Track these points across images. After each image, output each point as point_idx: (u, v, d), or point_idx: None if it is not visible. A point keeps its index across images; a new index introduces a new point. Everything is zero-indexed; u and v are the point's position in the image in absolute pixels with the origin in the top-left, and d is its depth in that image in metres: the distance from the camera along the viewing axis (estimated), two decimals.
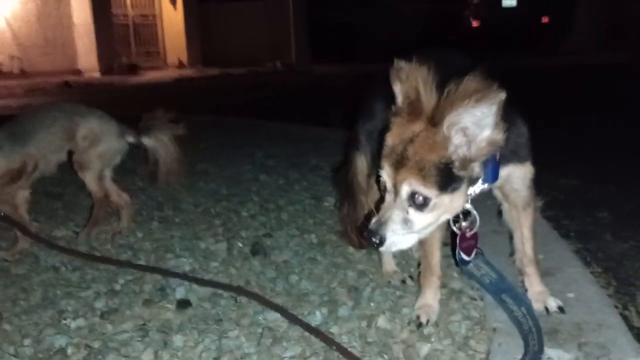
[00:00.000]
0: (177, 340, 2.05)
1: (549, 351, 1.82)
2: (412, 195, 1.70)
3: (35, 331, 2.16)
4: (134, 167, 4.55)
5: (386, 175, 1.74)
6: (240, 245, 2.97)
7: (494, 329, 2.02)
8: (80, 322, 2.21)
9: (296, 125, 6.73)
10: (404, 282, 2.48)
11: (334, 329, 2.11)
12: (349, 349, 1.96)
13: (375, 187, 2.51)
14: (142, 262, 2.77)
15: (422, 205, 1.70)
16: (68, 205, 3.71)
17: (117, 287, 2.52)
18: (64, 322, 2.22)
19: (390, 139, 1.74)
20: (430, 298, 2.17)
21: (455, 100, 1.59)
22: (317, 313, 2.21)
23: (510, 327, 2.00)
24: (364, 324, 2.15)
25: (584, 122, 6.63)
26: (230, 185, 4.16)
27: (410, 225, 1.73)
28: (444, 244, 2.43)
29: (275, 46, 21.92)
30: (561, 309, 2.09)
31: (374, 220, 1.76)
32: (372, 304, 2.31)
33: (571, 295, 2.21)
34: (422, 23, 21.20)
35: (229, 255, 2.85)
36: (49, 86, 16.26)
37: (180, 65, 21.90)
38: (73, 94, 13.96)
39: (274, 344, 2.01)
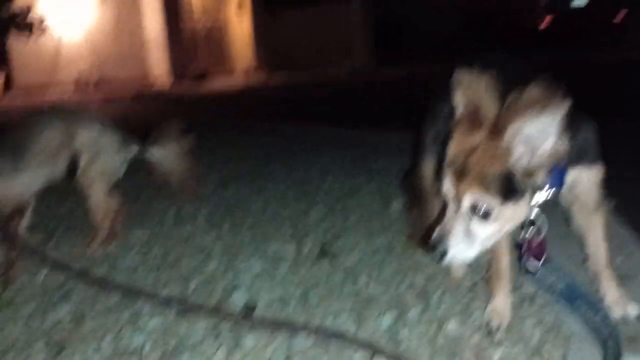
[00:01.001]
0: (249, 340, 2.10)
1: (629, 359, 1.76)
2: (475, 206, 1.67)
3: (115, 330, 2.25)
4: (204, 172, 4.68)
5: (448, 185, 1.72)
6: (308, 248, 3.00)
7: (570, 335, 1.96)
8: (156, 321, 2.29)
9: (363, 129, 6.73)
10: (474, 285, 2.44)
11: (403, 333, 2.10)
12: (419, 352, 1.95)
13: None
14: (214, 264, 2.84)
15: (484, 215, 1.68)
16: (144, 210, 3.84)
17: (191, 289, 2.60)
18: (141, 321, 2.30)
19: (452, 149, 1.72)
20: (502, 302, 2.13)
21: (518, 109, 1.55)
22: (386, 316, 2.21)
23: (587, 333, 1.93)
24: (433, 328, 2.13)
25: None
26: (298, 189, 4.20)
27: (473, 236, 1.70)
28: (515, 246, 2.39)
29: (341, 49, 21.98)
30: None
31: (435, 232, 1.74)
32: (441, 308, 2.29)
33: None
34: (490, 21, 20.76)
35: (297, 258, 2.89)
36: (124, 95, 16.91)
37: (248, 71, 22.30)
38: (145, 104, 14.46)
39: (343, 346, 2.02)
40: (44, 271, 2.84)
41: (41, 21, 9.80)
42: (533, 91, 1.54)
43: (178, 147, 3.31)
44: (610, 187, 2.04)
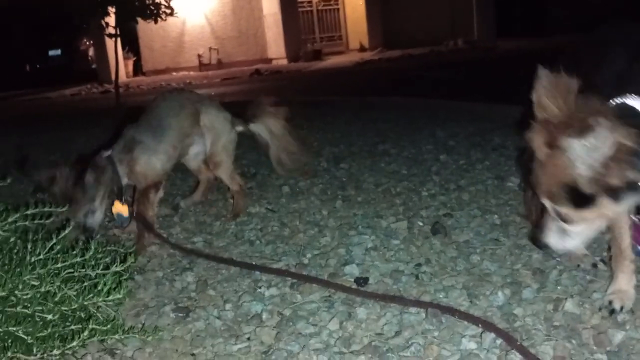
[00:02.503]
0: (361, 312, 2.15)
1: None
2: (554, 209, 1.73)
3: (235, 297, 2.39)
4: (318, 148, 4.78)
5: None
6: (421, 224, 3.00)
7: None
8: (273, 291, 2.40)
9: (479, 104, 6.55)
10: (595, 265, 2.34)
11: (517, 311, 2.06)
12: (533, 331, 1.91)
13: None
14: (327, 239, 2.92)
15: (564, 219, 1.75)
16: (261, 186, 3.99)
17: (305, 261, 2.69)
18: (259, 290, 2.42)
19: (531, 155, 1.73)
20: (625, 283, 2.03)
21: (568, 125, 1.55)
22: (500, 294, 2.17)
23: None
24: (549, 307, 2.07)
25: None
26: (411, 165, 4.19)
27: (565, 232, 1.79)
28: None
29: (457, 24, 21.39)
30: None
31: (537, 227, 1.82)
32: (559, 288, 2.22)
33: None
34: None
35: (410, 234, 2.90)
36: (242, 74, 17.47)
37: (362, 48, 22.28)
38: (263, 81, 14.88)
39: (455, 321, 2.02)
40: (172, 241, 3.05)
41: (167, 6, 10.28)
42: (587, 105, 1.54)
43: (276, 119, 3.43)
44: None
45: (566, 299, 2.08)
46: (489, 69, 12.22)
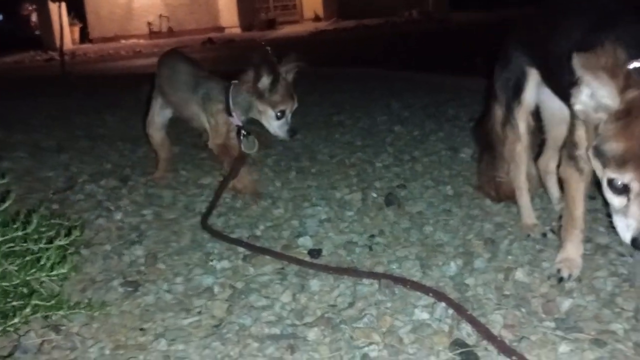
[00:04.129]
0: (314, 284, 2.13)
1: None
2: None
3: (186, 271, 2.34)
4: None
5: (634, 180, 1.58)
6: (375, 195, 3.00)
7: None
8: (225, 263, 2.36)
9: (433, 75, 6.57)
10: (544, 235, 2.38)
11: (469, 281, 2.08)
12: (484, 301, 1.94)
13: (510, 136, 2.41)
14: (280, 211, 2.88)
15: None
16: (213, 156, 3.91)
17: (258, 233, 2.65)
18: (211, 263, 2.38)
19: (624, 143, 1.57)
20: (573, 252, 2.06)
21: None
22: (452, 264, 2.19)
23: None
24: (500, 276, 2.10)
25: None
26: (365, 136, 4.18)
27: None
28: (590, 198, 2.30)
29: None
30: None
31: (632, 229, 1.61)
32: (509, 257, 2.25)
33: None
34: None
35: (364, 205, 2.89)
36: (194, 43, 17.11)
37: (317, 18, 22.10)
38: (216, 50, 14.61)
39: (407, 292, 2.03)
40: (120, 214, 2.96)
41: None
42: None
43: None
44: None
45: (516, 268, 2.11)
46: (443, 40, 12.27)
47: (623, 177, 1.58)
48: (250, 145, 3.11)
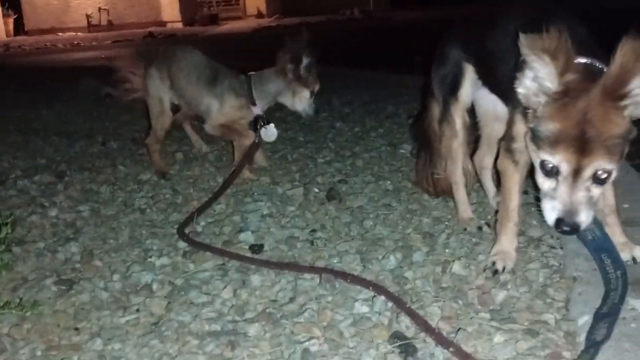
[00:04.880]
0: (255, 279, 2.12)
1: (632, 302, 1.76)
2: (596, 173, 1.63)
3: (123, 268, 2.28)
4: None
5: (563, 161, 1.63)
6: (316, 190, 3.01)
7: (574, 278, 1.97)
8: (165, 260, 2.32)
9: (373, 72, 6.64)
10: (480, 229, 2.44)
11: (408, 274, 2.11)
12: (422, 293, 1.97)
13: (447, 132, 2.47)
14: (222, 206, 2.86)
15: (605, 178, 1.65)
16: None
17: (199, 229, 2.62)
18: (150, 260, 2.33)
19: (558, 123, 1.62)
20: (507, 245, 2.12)
21: (634, 68, 1.50)
22: (391, 258, 2.22)
23: (590, 277, 1.94)
24: (438, 269, 2.14)
25: None
26: (307, 132, 4.19)
27: (592, 201, 1.68)
28: (524, 192, 2.37)
29: None
30: None
31: (557, 210, 1.67)
32: (447, 250, 2.30)
33: None
34: None
35: (305, 200, 2.90)
36: (135, 37, 16.74)
37: (260, 15, 21.97)
38: (157, 45, 14.32)
39: (348, 286, 2.04)
40: (55, 210, 2.87)
41: None
42: (637, 45, 1.49)
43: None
44: None
45: (454, 261, 2.16)
46: (383, 38, 12.41)
47: (554, 159, 1.65)
48: (271, 134, 3.27)
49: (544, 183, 1.71)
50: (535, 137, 1.70)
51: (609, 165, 1.62)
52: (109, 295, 2.08)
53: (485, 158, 2.64)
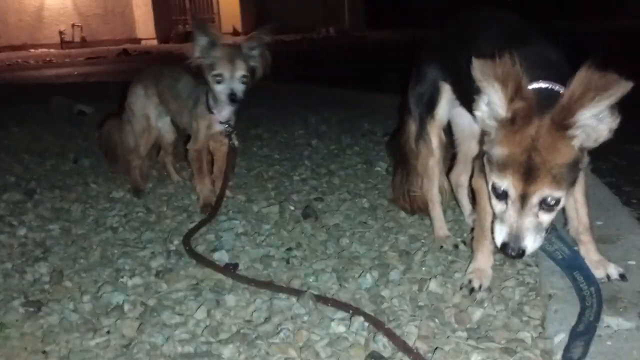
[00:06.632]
0: (229, 299, 2.08)
1: (608, 319, 1.76)
2: (544, 200, 1.64)
3: (94, 288, 2.23)
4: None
5: (511, 186, 1.64)
6: (292, 208, 2.99)
7: (550, 296, 1.97)
8: (137, 280, 2.27)
9: (349, 91, 6.67)
10: (456, 247, 2.44)
11: (385, 292, 2.10)
12: (399, 312, 1.95)
13: (423, 150, 2.47)
14: (195, 223, 2.81)
15: (553, 205, 1.65)
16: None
17: (172, 248, 2.57)
18: (121, 280, 2.28)
19: (507, 149, 1.63)
20: (483, 263, 2.12)
21: (584, 96, 1.50)
22: (368, 276, 2.20)
23: (566, 294, 1.94)
24: (415, 288, 2.13)
25: None
26: (283, 150, 4.17)
27: (541, 227, 1.68)
28: None
29: (329, 12, 21.71)
30: (622, 277, 2.01)
31: (504, 233, 1.68)
32: (423, 269, 2.29)
33: (632, 262, 2.12)
34: None
35: (281, 218, 2.87)
36: (109, 54, 16.63)
37: (235, 32, 22.00)
38: (131, 62, 14.25)
39: (324, 306, 2.01)
40: (23, 229, 2.80)
41: None
42: (591, 76, 1.49)
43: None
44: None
45: (430, 279, 2.15)
46: (359, 57, 12.50)
47: (502, 183, 1.66)
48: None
49: (496, 206, 1.73)
50: (489, 160, 1.72)
51: (556, 193, 1.62)
52: (79, 317, 2.02)
53: (462, 176, 2.65)
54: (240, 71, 2.84)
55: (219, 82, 2.84)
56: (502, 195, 1.68)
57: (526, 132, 1.59)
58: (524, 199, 1.63)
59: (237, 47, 2.92)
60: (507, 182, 1.64)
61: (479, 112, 1.71)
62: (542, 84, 1.70)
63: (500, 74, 1.57)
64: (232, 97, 2.84)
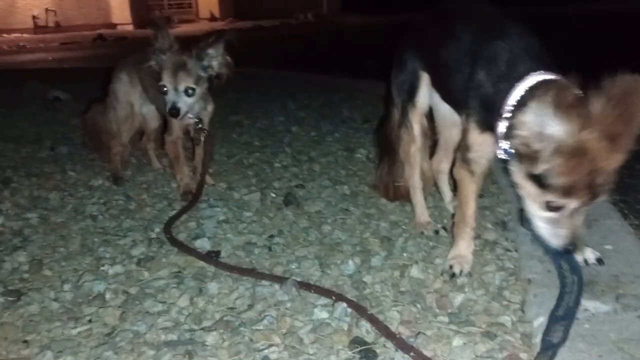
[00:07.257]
0: (212, 287, 2.08)
1: (586, 303, 1.80)
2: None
3: (75, 277, 2.21)
4: None
5: (576, 205, 1.69)
6: (273, 195, 2.98)
7: (529, 280, 2.00)
8: (118, 268, 2.26)
9: (328, 77, 6.66)
10: (437, 232, 2.46)
11: (367, 279, 2.11)
12: (381, 298, 1.97)
13: (405, 137, 2.48)
14: (176, 211, 2.80)
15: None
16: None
17: (153, 236, 2.56)
18: (102, 268, 2.27)
19: (571, 176, 1.63)
20: (464, 249, 2.15)
21: (632, 116, 1.57)
22: (350, 262, 2.21)
23: (545, 279, 1.98)
24: (396, 273, 2.15)
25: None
26: (263, 136, 4.16)
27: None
28: (479, 196, 2.40)
29: None
30: (599, 261, 2.05)
31: (569, 239, 1.76)
32: (405, 254, 2.31)
33: (609, 247, 2.16)
34: None
35: (262, 206, 2.87)
36: (84, 39, 16.38)
37: (213, 18, 21.80)
38: (107, 47, 14.05)
39: (307, 292, 2.02)
40: (0, 218, 2.77)
41: None
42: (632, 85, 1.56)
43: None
44: None
45: (411, 265, 2.17)
46: (336, 42, 12.47)
47: (567, 203, 1.69)
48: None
49: (546, 214, 1.76)
50: (541, 182, 1.69)
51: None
52: (60, 305, 2.01)
53: (442, 163, 2.67)
54: (184, 84, 2.77)
55: (163, 93, 2.79)
56: (558, 208, 1.72)
57: (590, 156, 1.60)
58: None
59: (187, 56, 2.82)
60: (574, 204, 1.68)
61: (526, 132, 1.64)
62: (546, 76, 1.72)
63: (570, 103, 1.56)
64: (172, 112, 2.78)
